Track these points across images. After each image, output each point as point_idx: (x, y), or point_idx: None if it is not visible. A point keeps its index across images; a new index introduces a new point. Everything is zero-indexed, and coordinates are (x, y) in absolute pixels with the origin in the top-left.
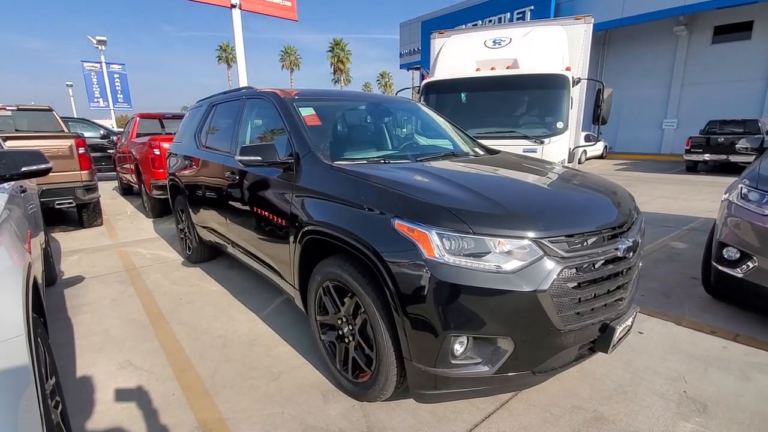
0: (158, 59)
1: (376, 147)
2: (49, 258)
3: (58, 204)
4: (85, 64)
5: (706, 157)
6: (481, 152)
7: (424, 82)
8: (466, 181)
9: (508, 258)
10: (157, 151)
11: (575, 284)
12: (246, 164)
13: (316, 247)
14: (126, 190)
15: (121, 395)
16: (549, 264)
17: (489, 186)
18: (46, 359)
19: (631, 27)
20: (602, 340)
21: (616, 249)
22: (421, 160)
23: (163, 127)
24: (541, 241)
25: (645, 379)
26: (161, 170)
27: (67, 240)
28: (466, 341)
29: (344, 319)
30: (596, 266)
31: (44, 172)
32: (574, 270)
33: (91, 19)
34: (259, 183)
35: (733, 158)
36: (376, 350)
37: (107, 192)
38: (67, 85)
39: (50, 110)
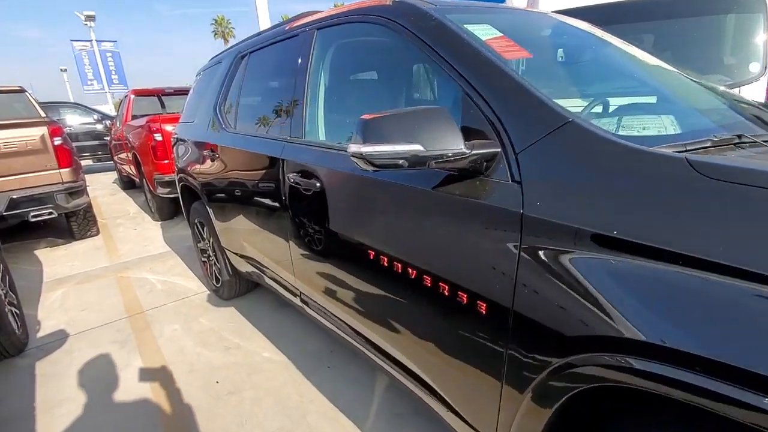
0: (153, 40)
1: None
2: (15, 314)
3: (34, 217)
4: (75, 44)
5: None
6: None
7: None
8: None
9: None
10: (158, 137)
11: None
12: (380, 163)
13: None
14: (127, 184)
15: None
16: None
17: None
18: None
19: None
20: None
21: None
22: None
23: (163, 105)
24: None
25: None
26: (166, 161)
27: (53, 261)
28: None
29: None
30: None
31: None
32: None
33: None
34: (391, 203)
35: None
36: None
37: (107, 186)
38: (61, 69)
39: (22, 91)
